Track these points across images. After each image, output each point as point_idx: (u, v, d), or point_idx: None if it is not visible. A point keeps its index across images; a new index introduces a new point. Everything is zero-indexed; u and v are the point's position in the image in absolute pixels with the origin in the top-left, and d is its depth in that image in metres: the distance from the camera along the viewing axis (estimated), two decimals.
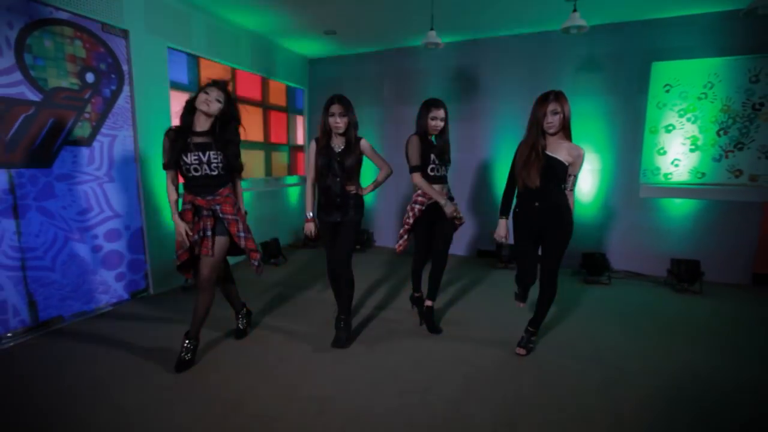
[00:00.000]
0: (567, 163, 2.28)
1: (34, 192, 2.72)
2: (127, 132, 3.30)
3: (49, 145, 2.78)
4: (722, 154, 3.90)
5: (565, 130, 2.29)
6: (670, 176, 4.10)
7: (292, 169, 5.72)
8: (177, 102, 3.64)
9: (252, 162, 4.90)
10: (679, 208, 4.13)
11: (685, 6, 3.68)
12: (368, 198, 5.01)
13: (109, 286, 3.24)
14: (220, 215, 2.31)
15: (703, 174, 3.97)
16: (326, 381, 2.22)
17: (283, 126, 5.49)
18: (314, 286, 3.86)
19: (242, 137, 2.42)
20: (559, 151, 2.28)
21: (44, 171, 2.77)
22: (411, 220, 2.71)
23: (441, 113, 2.60)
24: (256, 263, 2.46)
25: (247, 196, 4.66)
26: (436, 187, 2.65)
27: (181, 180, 2.36)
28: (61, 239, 2.89)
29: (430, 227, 2.74)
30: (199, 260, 2.32)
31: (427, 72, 5.00)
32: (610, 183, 4.34)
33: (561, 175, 2.30)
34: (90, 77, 3.00)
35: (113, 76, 3.17)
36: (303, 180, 5.82)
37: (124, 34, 3.21)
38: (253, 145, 4.86)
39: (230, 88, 2.34)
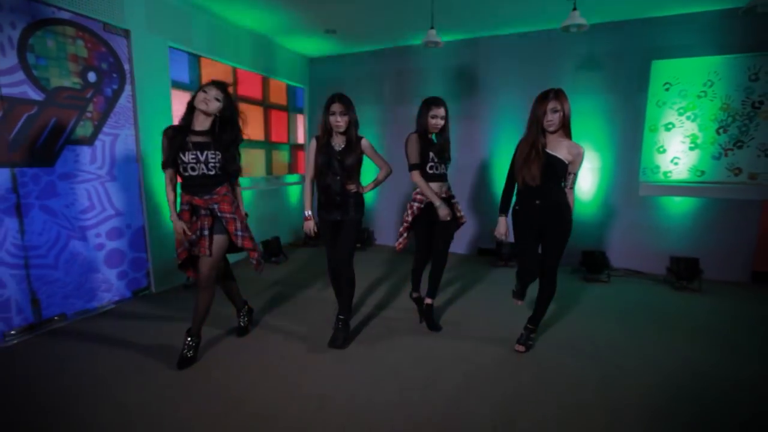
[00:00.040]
0: (567, 161, 2.29)
1: (37, 191, 2.74)
2: (129, 131, 3.32)
3: (51, 144, 2.80)
4: (722, 152, 3.90)
5: (565, 128, 2.30)
6: (669, 174, 4.11)
7: (292, 168, 5.74)
8: (178, 101, 3.66)
9: (253, 161, 4.92)
10: (679, 206, 4.14)
11: (685, 4, 3.68)
12: (368, 196, 5.02)
13: (112, 285, 3.26)
14: (218, 214, 2.31)
15: (703, 172, 3.98)
16: (327, 378, 2.24)
17: (284, 125, 5.50)
18: (315, 284, 3.88)
19: (244, 137, 2.42)
20: (559, 149, 2.29)
21: (47, 170, 2.79)
22: (410, 218, 2.73)
23: (441, 111, 2.61)
24: (254, 261, 2.47)
25: (247, 195, 4.68)
26: (435, 185, 2.65)
27: (179, 179, 2.37)
28: (63, 238, 2.91)
29: (430, 226, 2.75)
30: (198, 259, 2.33)
31: (427, 70, 5.01)
32: (610, 181, 4.35)
33: (561, 173, 2.31)
34: (92, 77, 3.02)
35: (115, 75, 3.19)
36: (303, 179, 5.83)
37: (126, 33, 3.23)
38: (253, 143, 4.88)
39: (231, 90, 2.34)
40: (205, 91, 2.23)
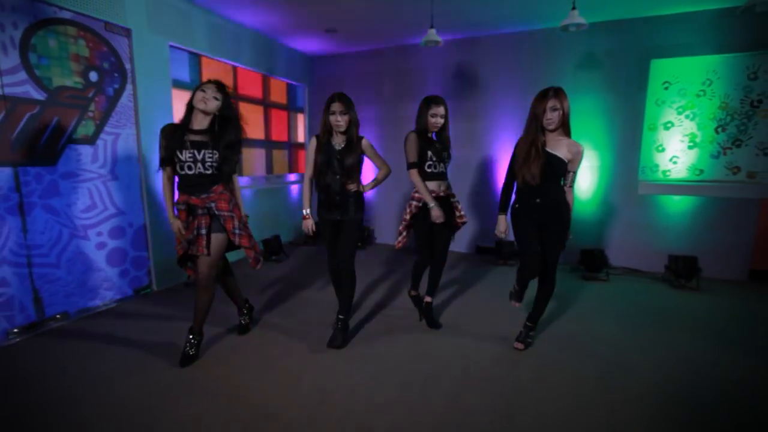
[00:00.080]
0: (566, 160, 2.30)
1: (39, 190, 2.75)
2: (130, 130, 3.33)
3: (53, 143, 2.82)
4: (720, 151, 3.92)
5: (564, 127, 2.31)
6: (668, 173, 4.12)
7: (292, 167, 5.75)
8: (179, 100, 3.67)
9: (253, 159, 4.94)
10: (677, 204, 4.15)
11: (684, 3, 3.69)
12: (369, 196, 5.04)
13: (113, 283, 3.28)
14: (216, 212, 2.31)
15: (702, 171, 4.00)
16: (327, 374, 2.26)
17: (284, 124, 5.52)
18: (315, 282, 3.89)
19: (244, 136, 2.43)
20: (558, 147, 2.30)
21: (49, 169, 2.80)
22: (408, 217, 2.74)
23: (441, 110, 2.62)
24: (251, 259, 2.48)
25: (248, 194, 4.70)
26: (434, 183, 2.66)
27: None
28: (65, 236, 2.92)
29: (430, 225, 2.76)
30: (197, 258, 2.34)
31: (426, 70, 5.02)
32: (609, 180, 4.36)
33: (561, 171, 2.32)
34: (93, 76, 3.03)
35: (116, 74, 3.20)
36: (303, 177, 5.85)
37: (127, 32, 3.24)
38: (254, 142, 4.89)
39: (230, 90, 2.35)
40: (203, 90, 2.24)
